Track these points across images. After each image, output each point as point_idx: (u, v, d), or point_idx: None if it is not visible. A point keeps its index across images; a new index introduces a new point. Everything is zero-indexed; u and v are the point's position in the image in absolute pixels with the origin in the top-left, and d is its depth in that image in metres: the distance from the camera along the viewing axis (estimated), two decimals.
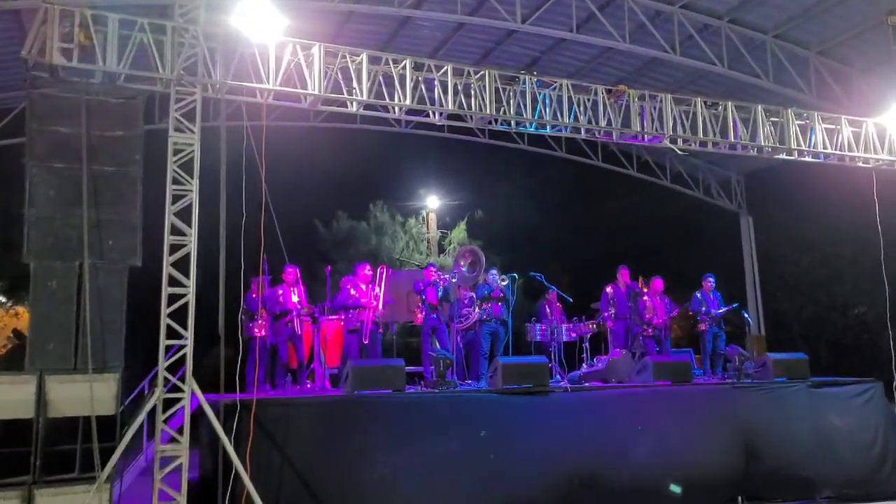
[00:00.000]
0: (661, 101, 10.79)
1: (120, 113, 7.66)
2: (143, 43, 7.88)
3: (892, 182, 12.07)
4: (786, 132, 11.43)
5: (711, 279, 12.34)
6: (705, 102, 11.11)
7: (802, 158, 11.86)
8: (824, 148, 11.64)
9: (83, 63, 7.69)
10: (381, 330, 10.73)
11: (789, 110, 11.53)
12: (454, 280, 11.08)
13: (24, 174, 7.29)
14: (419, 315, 10.89)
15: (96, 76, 7.98)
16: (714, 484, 9.50)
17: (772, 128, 11.42)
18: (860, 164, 12.01)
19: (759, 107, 11.39)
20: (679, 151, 11.52)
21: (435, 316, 10.83)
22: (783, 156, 11.79)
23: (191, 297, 7.57)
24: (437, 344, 10.66)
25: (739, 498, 9.54)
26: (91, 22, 7.64)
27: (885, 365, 11.31)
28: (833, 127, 11.75)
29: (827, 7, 11.98)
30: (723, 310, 12.16)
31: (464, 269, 11.23)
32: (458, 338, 11.10)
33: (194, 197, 7.75)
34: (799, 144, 11.52)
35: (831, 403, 10.49)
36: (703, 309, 12.14)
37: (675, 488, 9.10)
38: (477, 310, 11.15)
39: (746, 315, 14.48)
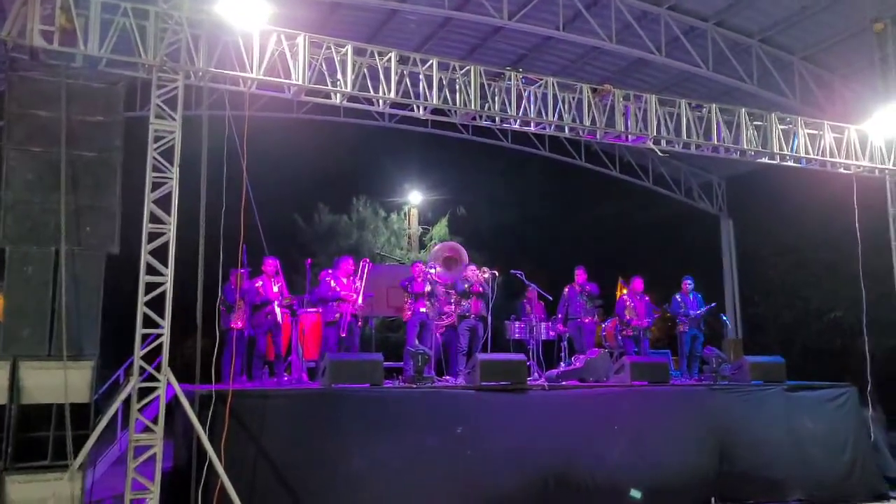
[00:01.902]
0: (645, 101, 10.83)
1: (101, 98, 7.56)
2: (125, 28, 7.77)
3: (872, 189, 12.18)
4: (769, 136, 11.51)
5: (690, 281, 12.41)
6: (690, 104, 11.15)
7: (784, 163, 11.94)
8: (806, 153, 11.72)
9: (64, 46, 7.57)
10: (360, 323, 10.69)
11: (773, 114, 11.59)
12: (435, 270, 11.04)
13: (2, 157, 7.19)
14: (408, 312, 10.86)
15: (77, 60, 7.87)
16: (688, 484, 9.58)
17: (755, 131, 11.49)
18: (841, 171, 12.11)
19: (743, 110, 11.45)
20: (660, 153, 11.56)
21: (423, 311, 10.79)
22: (765, 160, 11.86)
23: (168, 287, 7.50)
24: (417, 340, 10.63)
25: (712, 499, 9.62)
26: (73, 4, 7.51)
27: (859, 370, 11.43)
28: (815, 132, 11.83)
29: (812, 13, 12.06)
30: (701, 310, 12.24)
31: (434, 272, 11.10)
32: (437, 333, 11.08)
33: (174, 185, 7.67)
34: (781, 149, 11.60)
35: (806, 407, 10.61)
36: (682, 311, 12.21)
37: (636, 493, 9.11)
38: (456, 307, 11.12)
39: (724, 318, 14.58)
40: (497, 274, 11.47)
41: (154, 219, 7.60)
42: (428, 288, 10.82)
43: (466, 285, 11.10)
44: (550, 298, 12.11)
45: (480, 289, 11.12)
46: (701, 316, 12.25)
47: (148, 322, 7.41)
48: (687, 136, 11.05)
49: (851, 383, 11.16)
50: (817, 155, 11.77)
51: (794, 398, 10.61)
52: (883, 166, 12.02)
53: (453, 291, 11.21)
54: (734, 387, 10.64)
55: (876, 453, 10.88)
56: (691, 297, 12.31)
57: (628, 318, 11.98)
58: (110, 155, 7.50)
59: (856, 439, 10.66)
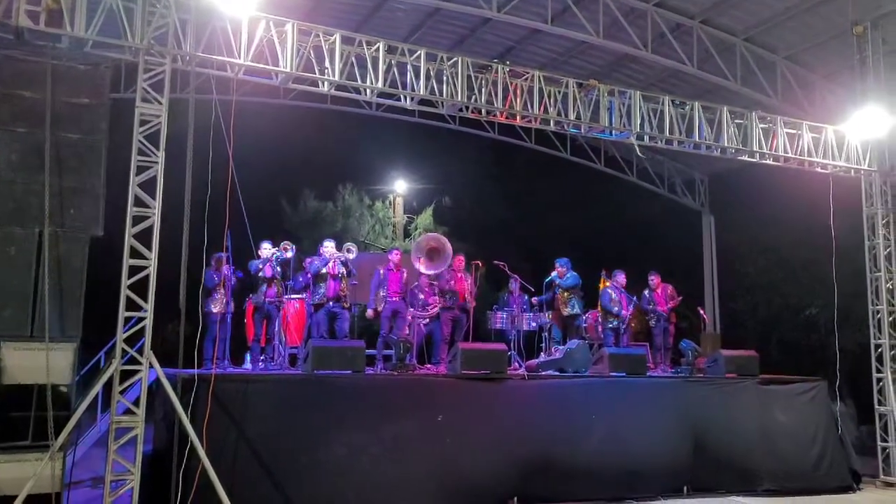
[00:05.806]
0: (630, 97, 10.94)
1: (87, 80, 7.54)
2: (112, 10, 7.77)
3: (847, 188, 12.38)
4: (749, 134, 11.67)
5: (656, 276, 12.61)
6: (673, 101, 11.28)
7: (764, 161, 12.11)
8: (785, 152, 11.90)
9: (50, 27, 7.55)
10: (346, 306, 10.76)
11: (753, 113, 11.76)
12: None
13: None
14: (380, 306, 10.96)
15: (63, 41, 7.85)
16: (662, 473, 9.78)
17: (736, 129, 11.65)
18: (818, 170, 12.29)
19: (725, 108, 11.59)
20: (639, 154, 11.62)
21: (396, 300, 10.88)
22: (745, 157, 12.03)
23: (152, 270, 7.53)
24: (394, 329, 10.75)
25: (685, 487, 9.83)
26: None
27: (832, 365, 11.64)
28: (795, 132, 12.00)
29: (795, 14, 12.16)
30: (669, 305, 12.46)
31: (420, 267, 11.14)
32: (420, 322, 11.17)
33: (160, 169, 7.69)
34: (761, 147, 11.76)
35: (777, 400, 10.84)
36: (651, 306, 12.43)
37: None
38: (439, 298, 11.21)
39: (702, 312, 14.78)
40: (481, 265, 11.56)
41: (139, 202, 7.63)
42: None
43: (448, 276, 11.18)
44: (533, 290, 12.23)
45: (463, 279, 11.22)
46: (669, 310, 12.46)
47: (131, 305, 7.45)
48: (670, 133, 11.19)
49: (825, 378, 11.37)
50: (796, 154, 11.95)
51: (767, 391, 10.83)
52: (859, 167, 12.23)
53: (436, 282, 11.29)
54: (709, 379, 10.85)
55: (840, 446, 11.09)
56: (660, 291, 12.51)
57: (616, 310, 12.11)
58: (95, 137, 7.50)
59: (825, 432, 10.91)
